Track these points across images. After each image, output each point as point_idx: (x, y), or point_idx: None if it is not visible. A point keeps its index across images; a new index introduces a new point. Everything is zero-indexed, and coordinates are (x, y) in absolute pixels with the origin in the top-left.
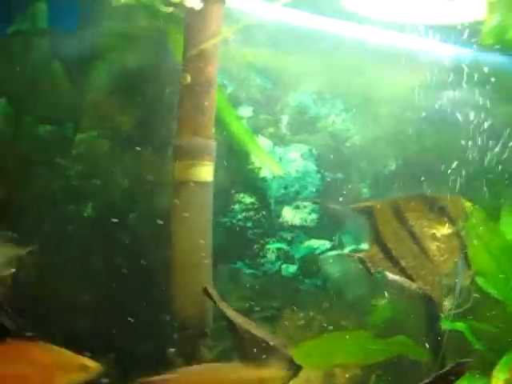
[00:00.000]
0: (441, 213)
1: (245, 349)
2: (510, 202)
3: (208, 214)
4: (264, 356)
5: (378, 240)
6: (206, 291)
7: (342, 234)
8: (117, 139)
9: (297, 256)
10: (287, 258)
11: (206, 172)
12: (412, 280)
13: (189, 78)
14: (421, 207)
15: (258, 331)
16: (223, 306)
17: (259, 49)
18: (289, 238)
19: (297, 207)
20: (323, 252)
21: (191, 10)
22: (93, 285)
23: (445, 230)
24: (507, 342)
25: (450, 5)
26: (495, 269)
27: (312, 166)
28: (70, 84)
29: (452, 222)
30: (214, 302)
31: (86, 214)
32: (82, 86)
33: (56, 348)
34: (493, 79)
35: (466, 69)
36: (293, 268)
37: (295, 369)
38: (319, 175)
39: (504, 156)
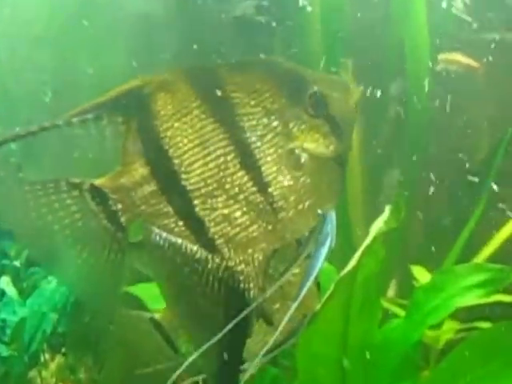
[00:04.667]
0: (314, 108)
1: None
2: None
3: None
4: None
5: (149, 156)
6: None
7: None
8: None
9: None
10: None
11: None
12: (214, 251)
13: None
14: (269, 90)
15: None
16: None
17: None
18: None
19: None
20: None
21: None
22: None
23: (316, 146)
24: None
25: None
26: None
27: None
28: None
29: (335, 130)
30: None
31: None
32: None
33: None
34: None
35: None
36: None
37: None
38: None
39: None
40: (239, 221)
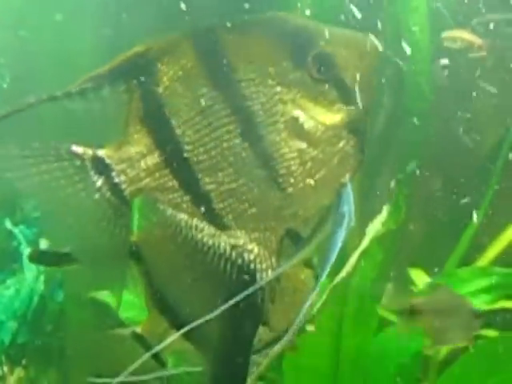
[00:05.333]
0: (319, 71)
1: None
2: None
3: None
4: None
5: (152, 126)
6: None
7: None
8: None
9: None
10: None
11: None
12: (222, 229)
13: None
14: (269, 52)
15: None
16: None
17: None
18: None
19: None
20: None
21: None
22: None
23: (322, 113)
24: None
25: None
26: None
27: None
28: None
29: (345, 95)
30: None
31: None
32: None
33: None
34: None
35: None
36: None
37: None
38: None
39: None
40: (246, 196)
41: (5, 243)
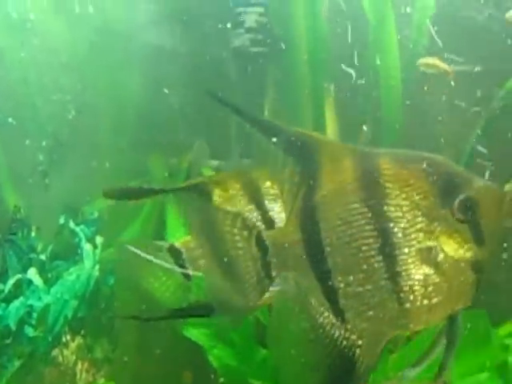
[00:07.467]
0: (461, 214)
1: None
2: None
3: None
4: None
5: (303, 222)
6: None
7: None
8: None
9: None
10: None
11: None
12: (341, 321)
13: None
14: (422, 187)
15: None
16: None
17: None
18: None
19: None
20: None
21: None
22: None
23: (455, 249)
24: None
25: None
26: None
27: None
28: None
29: (478, 237)
30: None
31: None
32: None
33: None
34: None
35: None
36: None
37: None
38: None
39: None
40: (368, 300)
41: (69, 239)
